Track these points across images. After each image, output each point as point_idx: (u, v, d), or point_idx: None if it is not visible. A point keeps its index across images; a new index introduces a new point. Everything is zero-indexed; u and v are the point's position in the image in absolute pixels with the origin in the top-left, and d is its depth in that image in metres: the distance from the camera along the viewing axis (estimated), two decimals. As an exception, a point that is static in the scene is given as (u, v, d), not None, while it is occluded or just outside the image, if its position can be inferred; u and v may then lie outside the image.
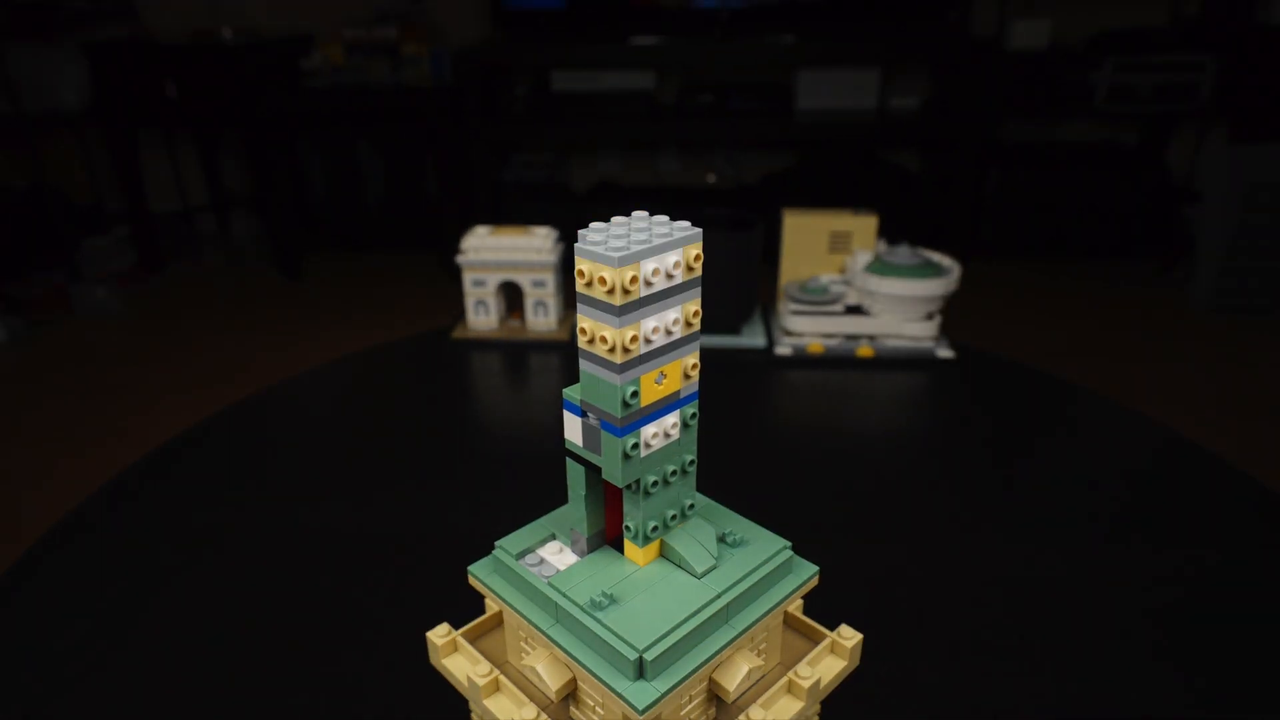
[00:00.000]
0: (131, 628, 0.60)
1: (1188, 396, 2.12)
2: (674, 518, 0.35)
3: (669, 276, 0.30)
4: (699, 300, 0.31)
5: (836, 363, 1.05)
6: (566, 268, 1.14)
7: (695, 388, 0.33)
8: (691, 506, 0.36)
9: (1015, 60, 2.69)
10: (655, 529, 0.34)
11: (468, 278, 1.10)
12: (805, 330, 1.07)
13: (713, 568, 0.34)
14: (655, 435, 0.32)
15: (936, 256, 1.08)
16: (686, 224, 0.30)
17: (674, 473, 0.34)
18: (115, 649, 0.58)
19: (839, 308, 1.07)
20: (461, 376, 1.04)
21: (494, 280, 1.10)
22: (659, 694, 0.30)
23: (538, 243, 1.08)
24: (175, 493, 0.78)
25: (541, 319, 1.11)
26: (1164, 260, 2.89)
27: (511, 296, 1.14)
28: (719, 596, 0.33)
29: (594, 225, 0.30)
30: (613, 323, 0.29)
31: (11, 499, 1.77)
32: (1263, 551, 0.68)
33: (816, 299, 1.07)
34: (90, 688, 0.55)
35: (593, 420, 0.32)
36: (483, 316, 1.12)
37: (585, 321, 0.30)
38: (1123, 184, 2.82)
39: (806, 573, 0.36)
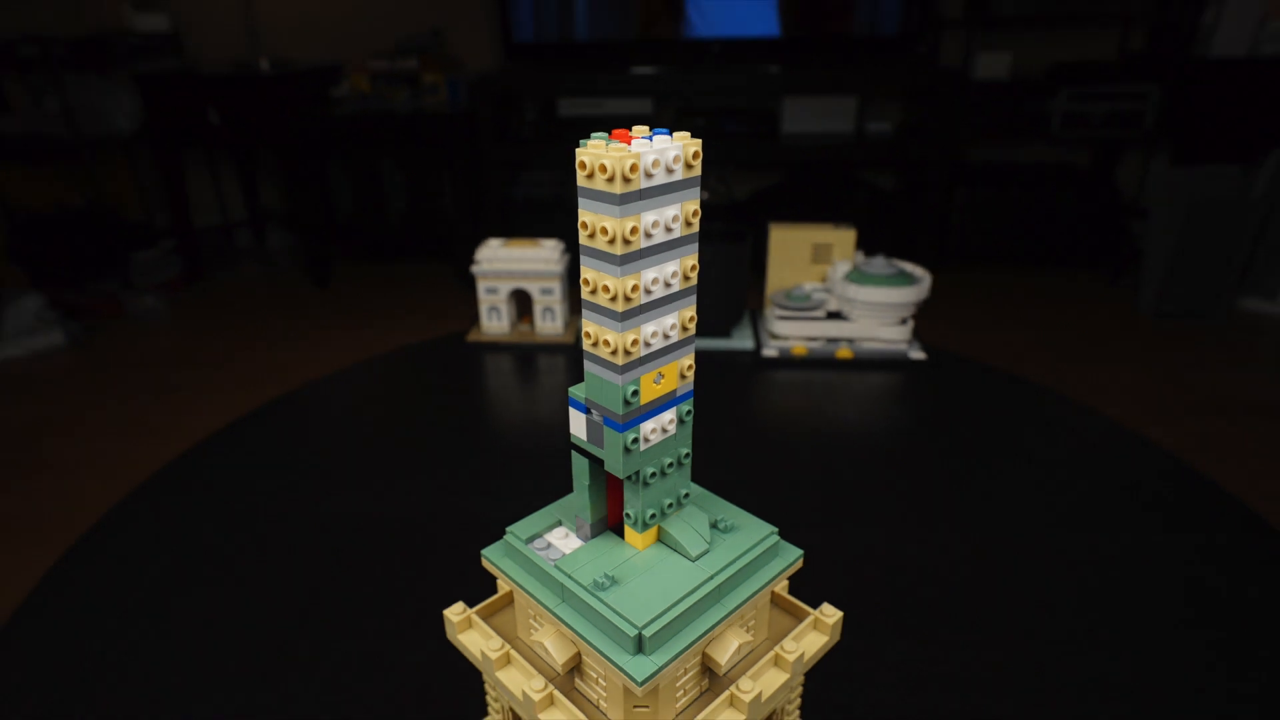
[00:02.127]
0: (180, 598, 0.60)
1: (1133, 392, 2.11)
2: (670, 506, 0.34)
3: (667, 285, 0.29)
4: (694, 307, 0.31)
5: (818, 364, 1.04)
6: (572, 277, 1.14)
7: (690, 387, 0.33)
8: (686, 495, 0.35)
9: (979, 89, 2.69)
10: (653, 516, 0.33)
11: (481, 286, 1.10)
12: (790, 334, 1.07)
13: (706, 551, 0.34)
14: (654, 430, 0.32)
15: (909, 267, 1.07)
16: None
17: (671, 464, 0.33)
18: (163, 619, 0.58)
19: (821, 313, 1.07)
20: (476, 376, 1.04)
21: (505, 288, 1.09)
22: (657, 667, 0.30)
23: (545, 254, 1.08)
24: (218, 482, 0.77)
25: (549, 324, 1.11)
26: (1113, 270, 2.89)
27: (521, 303, 1.14)
28: (712, 578, 0.32)
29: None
30: (615, 327, 0.28)
31: (74, 487, 1.76)
32: (1236, 543, 0.67)
33: (800, 305, 1.06)
34: (146, 650, 0.54)
35: (596, 417, 0.31)
36: (495, 321, 1.11)
37: (590, 325, 0.30)
38: (1076, 201, 2.82)
39: (792, 556, 0.36)
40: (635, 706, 0.31)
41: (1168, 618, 0.58)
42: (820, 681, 0.50)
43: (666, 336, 0.30)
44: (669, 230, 0.28)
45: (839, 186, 2.98)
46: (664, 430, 0.32)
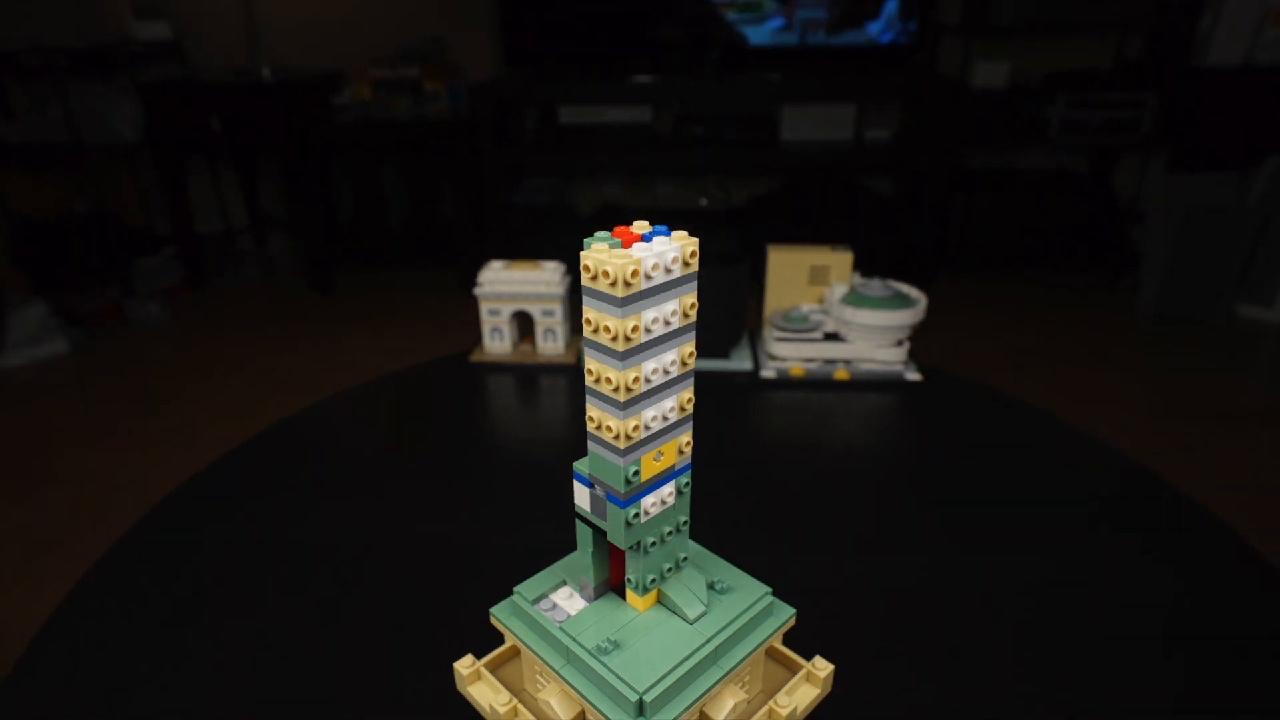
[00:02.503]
0: (189, 630, 0.61)
1: (1130, 398, 2.13)
2: (669, 569, 0.36)
3: (665, 372, 0.31)
4: (691, 388, 0.33)
5: (816, 384, 1.06)
6: (574, 298, 1.16)
7: (688, 461, 0.34)
8: (685, 558, 0.37)
9: (978, 97, 2.71)
10: (653, 580, 0.35)
11: (484, 307, 1.11)
12: (788, 355, 1.08)
13: (703, 614, 0.35)
14: (654, 504, 0.33)
15: (905, 288, 1.09)
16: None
17: (670, 532, 0.35)
18: (174, 649, 0.59)
19: (818, 335, 1.08)
20: (480, 398, 1.05)
21: (508, 310, 1.11)
22: None
23: (547, 276, 1.09)
24: (224, 509, 0.79)
25: (551, 344, 1.12)
26: (1111, 275, 2.90)
27: (523, 324, 1.15)
28: (709, 641, 0.34)
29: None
30: (617, 415, 0.30)
31: (82, 498, 1.78)
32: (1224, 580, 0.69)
33: (798, 327, 1.08)
34: (158, 680, 0.56)
35: (599, 492, 0.33)
36: (498, 342, 1.13)
37: (593, 411, 0.31)
38: (1074, 207, 2.83)
39: (784, 615, 0.37)
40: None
41: (1150, 644, 0.59)
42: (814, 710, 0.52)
43: (665, 419, 0.32)
44: (667, 324, 0.30)
45: (838, 193, 3.00)
46: (663, 502, 0.34)
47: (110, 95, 2.75)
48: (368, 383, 1.10)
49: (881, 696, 0.55)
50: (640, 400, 0.30)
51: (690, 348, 0.31)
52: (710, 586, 0.37)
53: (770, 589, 0.37)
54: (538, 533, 0.72)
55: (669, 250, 0.29)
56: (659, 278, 0.28)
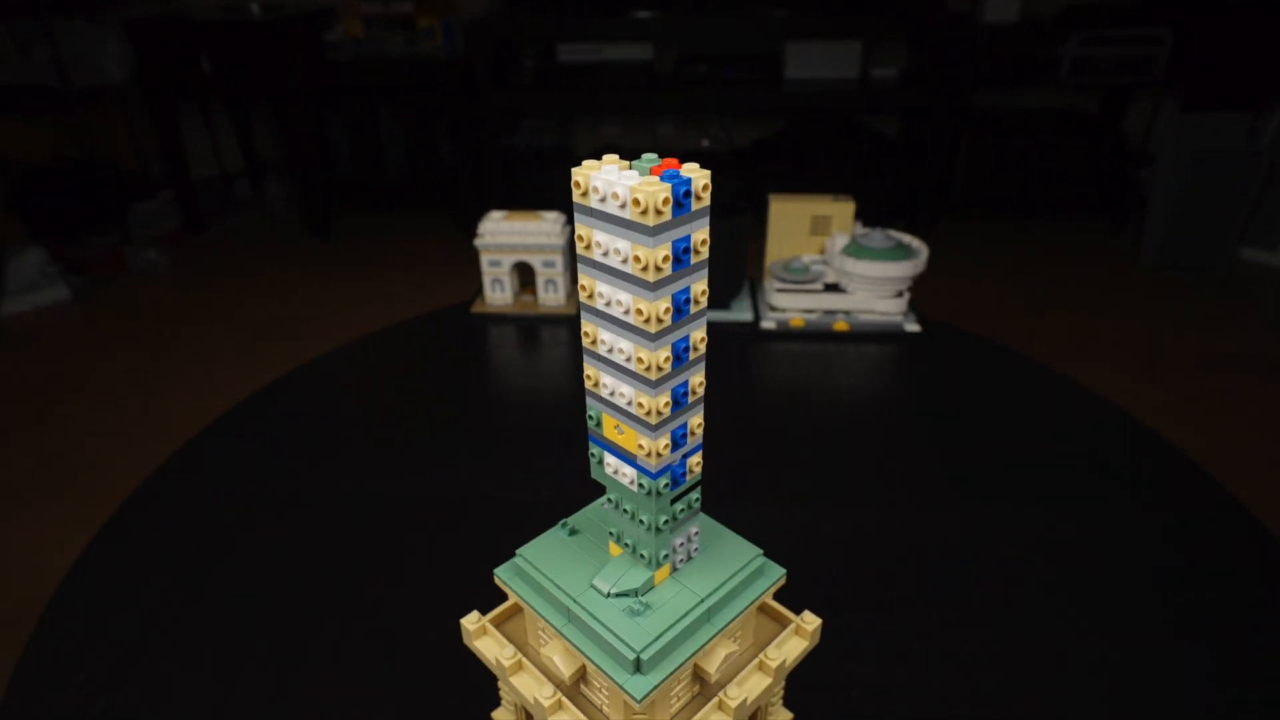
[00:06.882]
0: (203, 584, 0.64)
1: (1130, 346, 2.14)
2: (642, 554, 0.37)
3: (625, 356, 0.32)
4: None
5: (815, 336, 1.07)
6: (573, 249, 1.15)
7: (663, 465, 0.34)
8: (667, 556, 0.37)
9: (988, 33, 2.63)
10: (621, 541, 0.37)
11: (484, 259, 1.11)
12: (788, 306, 1.09)
13: (615, 592, 0.36)
14: (613, 469, 0.35)
15: (906, 239, 1.08)
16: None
17: (631, 514, 0.36)
18: (191, 604, 0.62)
19: (818, 286, 1.09)
20: (482, 350, 1.06)
21: (508, 261, 1.11)
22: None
23: (547, 227, 1.09)
24: (233, 463, 0.81)
25: (551, 295, 1.13)
26: (1117, 220, 2.87)
27: (524, 274, 1.16)
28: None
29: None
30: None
31: (89, 445, 1.81)
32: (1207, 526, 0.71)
33: (798, 278, 1.08)
34: (173, 636, 0.59)
35: None
36: (499, 293, 1.13)
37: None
38: (1082, 149, 2.78)
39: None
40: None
41: (1136, 597, 0.62)
42: (807, 658, 0.54)
43: (622, 394, 0.33)
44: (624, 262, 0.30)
45: (842, 133, 2.94)
46: (625, 477, 0.35)
47: (97, 34, 2.68)
48: (371, 335, 1.10)
49: (871, 645, 0.58)
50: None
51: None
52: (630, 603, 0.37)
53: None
54: (538, 487, 0.74)
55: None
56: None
